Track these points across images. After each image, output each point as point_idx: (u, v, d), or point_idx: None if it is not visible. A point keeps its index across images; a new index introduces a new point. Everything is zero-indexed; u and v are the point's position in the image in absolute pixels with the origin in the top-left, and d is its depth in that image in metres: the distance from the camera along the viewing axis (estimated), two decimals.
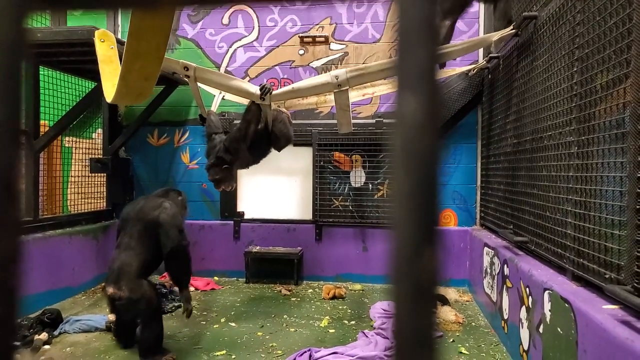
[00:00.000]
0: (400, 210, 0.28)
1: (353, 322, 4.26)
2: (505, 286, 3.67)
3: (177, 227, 3.55)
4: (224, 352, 3.59)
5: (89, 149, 5.82)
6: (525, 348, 3.10)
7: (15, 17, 0.30)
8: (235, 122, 5.17)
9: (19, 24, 0.31)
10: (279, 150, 4.42)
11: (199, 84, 4.08)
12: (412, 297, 0.28)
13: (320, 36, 5.76)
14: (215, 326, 4.17)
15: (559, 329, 2.51)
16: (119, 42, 3.67)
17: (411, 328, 0.28)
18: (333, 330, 4.07)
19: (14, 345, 0.30)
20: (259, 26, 5.91)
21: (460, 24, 5.46)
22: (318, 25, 5.79)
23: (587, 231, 2.47)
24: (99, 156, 5.78)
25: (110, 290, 3.39)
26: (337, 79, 3.83)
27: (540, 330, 2.80)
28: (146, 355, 3.45)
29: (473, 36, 5.35)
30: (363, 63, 5.56)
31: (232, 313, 4.52)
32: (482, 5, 5.20)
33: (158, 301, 3.58)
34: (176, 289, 5.04)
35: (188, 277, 3.67)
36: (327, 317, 4.35)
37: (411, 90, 0.28)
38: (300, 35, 5.79)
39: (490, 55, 4.62)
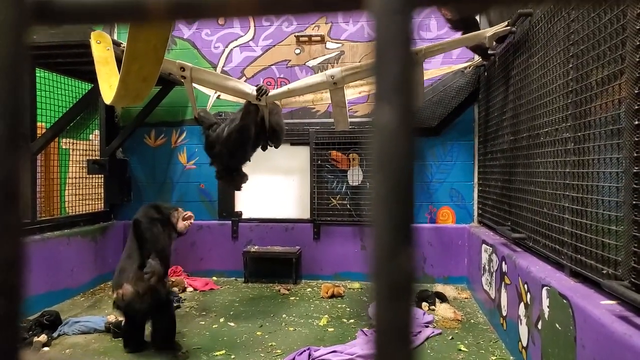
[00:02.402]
0: (378, 212, 0.30)
1: (352, 321, 4.27)
2: (503, 283, 3.69)
3: (143, 211, 3.65)
4: (223, 352, 3.59)
5: (86, 150, 5.81)
6: (524, 344, 3.11)
7: (16, 33, 0.31)
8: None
9: (19, 40, 0.31)
10: (277, 143, 4.42)
11: (195, 84, 4.08)
12: (390, 295, 0.29)
13: (316, 35, 5.76)
14: (214, 326, 4.17)
15: (557, 325, 2.52)
16: (115, 44, 3.66)
17: (389, 324, 0.29)
18: (332, 329, 4.07)
19: (18, 346, 0.30)
20: (254, 26, 5.91)
21: None
22: (314, 25, 5.79)
23: (585, 227, 2.48)
24: (96, 157, 5.77)
25: (115, 294, 3.42)
26: (332, 78, 3.83)
27: (539, 326, 2.81)
28: (160, 346, 3.51)
29: None
30: (359, 62, 5.56)
31: (231, 313, 4.52)
32: None
33: (166, 292, 3.59)
34: (175, 289, 5.08)
35: (149, 245, 3.65)
36: (326, 316, 4.36)
37: (387, 100, 0.30)
38: (296, 34, 5.79)
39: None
